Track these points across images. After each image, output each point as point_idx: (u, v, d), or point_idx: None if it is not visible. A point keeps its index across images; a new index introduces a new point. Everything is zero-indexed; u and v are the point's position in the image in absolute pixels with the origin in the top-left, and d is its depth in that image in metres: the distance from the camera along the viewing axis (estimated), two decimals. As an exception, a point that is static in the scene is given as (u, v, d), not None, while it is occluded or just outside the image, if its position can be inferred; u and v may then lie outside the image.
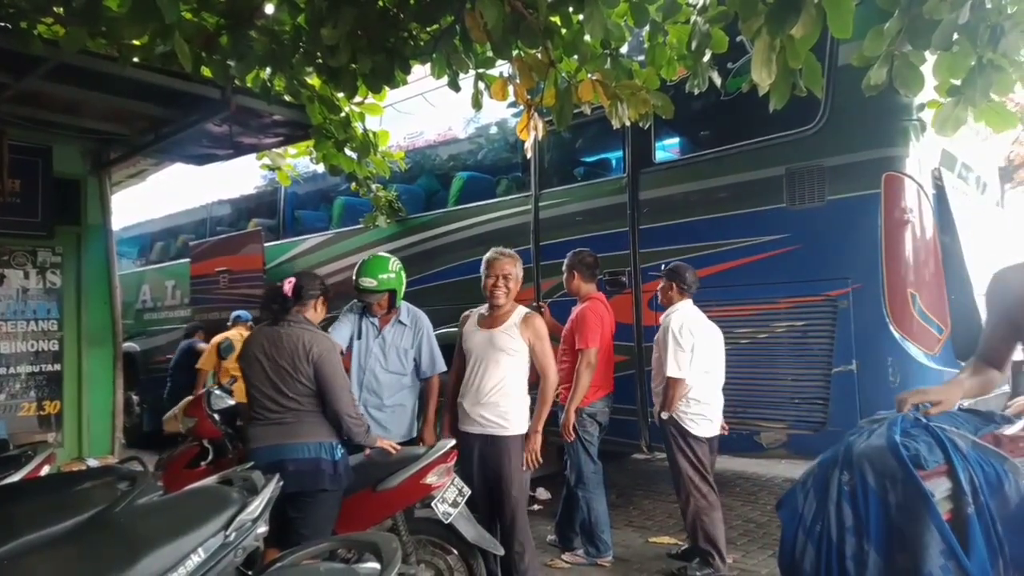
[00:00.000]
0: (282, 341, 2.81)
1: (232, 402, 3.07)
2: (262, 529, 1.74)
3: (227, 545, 1.64)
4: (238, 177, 7.99)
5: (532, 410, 3.24)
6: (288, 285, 2.91)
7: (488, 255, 3.29)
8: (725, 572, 3.59)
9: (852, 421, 3.45)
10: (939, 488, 1.62)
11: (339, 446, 2.86)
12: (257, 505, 1.72)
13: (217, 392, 3.19)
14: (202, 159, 6.05)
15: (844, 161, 3.69)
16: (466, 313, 3.37)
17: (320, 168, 5.74)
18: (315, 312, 3.02)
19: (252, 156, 6.04)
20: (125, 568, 1.44)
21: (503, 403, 3.15)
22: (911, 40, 2.57)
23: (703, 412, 3.58)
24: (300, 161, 6.18)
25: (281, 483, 1.87)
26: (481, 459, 3.15)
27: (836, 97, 3.66)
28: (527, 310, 3.31)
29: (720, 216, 4.09)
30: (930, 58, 2.64)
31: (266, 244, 6.84)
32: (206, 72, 3.73)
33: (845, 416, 3.51)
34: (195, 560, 1.57)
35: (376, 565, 1.55)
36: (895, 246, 3.53)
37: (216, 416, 3.13)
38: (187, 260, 7.84)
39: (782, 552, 1.85)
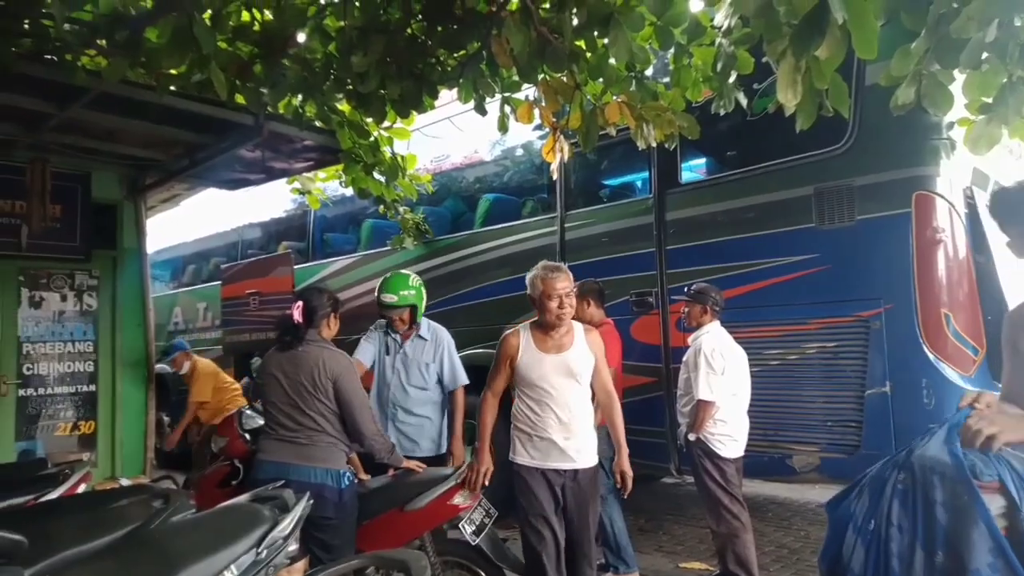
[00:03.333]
0: (300, 360, 2.85)
1: (262, 422, 3.11)
2: (293, 547, 1.77)
3: (259, 563, 1.66)
4: (268, 201, 8.16)
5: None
6: (297, 311, 2.95)
7: (542, 274, 2.89)
8: (756, 597, 3.53)
9: (886, 444, 3.43)
10: (993, 504, 1.61)
11: (347, 475, 2.87)
12: (288, 523, 1.74)
13: (248, 412, 3.24)
14: (235, 184, 6.19)
15: (874, 180, 3.66)
16: (510, 334, 2.96)
17: (348, 191, 5.85)
18: (328, 329, 3.06)
19: (282, 180, 6.19)
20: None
21: (590, 432, 2.90)
22: (939, 59, 2.55)
23: (730, 433, 3.54)
24: (329, 185, 6.30)
25: (311, 502, 1.88)
26: (574, 495, 2.82)
27: (865, 116, 3.63)
28: (582, 324, 3.05)
29: (748, 236, 4.07)
30: (959, 76, 2.62)
31: (296, 266, 6.94)
32: (239, 99, 3.84)
33: (879, 439, 3.45)
34: (227, 577, 1.59)
35: (406, 581, 1.56)
36: (927, 266, 3.47)
37: (247, 436, 3.18)
38: (218, 283, 7.98)
39: (826, 551, 1.84)
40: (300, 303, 2.99)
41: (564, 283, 2.86)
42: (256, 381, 2.99)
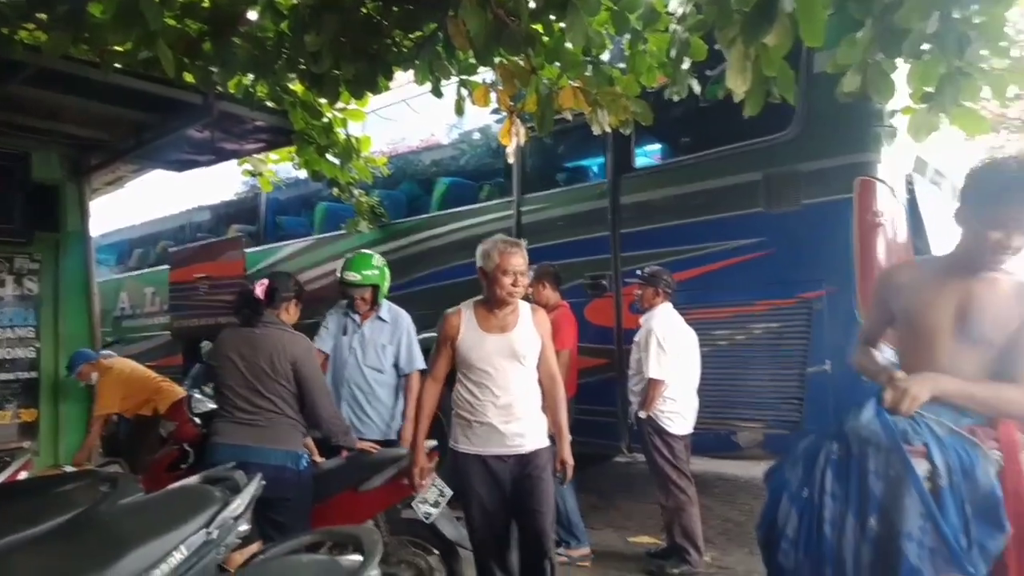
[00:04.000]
0: (259, 342, 2.82)
1: (213, 406, 3.08)
2: (244, 527, 1.76)
3: (210, 543, 1.65)
4: (218, 183, 7.97)
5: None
6: (260, 288, 2.94)
7: (500, 247, 2.72)
8: (702, 568, 3.65)
9: (826, 420, 3.54)
10: (919, 468, 1.72)
11: (304, 457, 2.88)
12: (239, 503, 1.73)
13: (198, 396, 3.20)
14: (183, 165, 6.03)
15: (819, 166, 3.78)
16: (450, 313, 2.78)
17: (301, 174, 5.76)
18: (288, 314, 3.04)
19: (233, 162, 6.05)
20: (109, 564, 1.45)
21: (536, 413, 2.74)
22: (883, 48, 2.65)
23: (679, 411, 3.66)
24: (281, 167, 6.19)
25: (264, 483, 1.88)
26: (520, 481, 2.64)
27: (811, 104, 3.74)
28: (529, 303, 2.87)
29: (699, 220, 4.16)
30: (902, 66, 2.72)
31: (247, 250, 6.81)
32: (188, 78, 3.74)
33: (819, 415, 3.59)
34: (178, 557, 1.58)
35: (358, 557, 1.58)
36: (868, 249, 3.61)
37: (197, 419, 3.13)
38: (166, 267, 7.78)
39: (763, 519, 1.94)
40: (266, 281, 2.97)
41: (520, 260, 2.71)
42: (210, 363, 2.93)
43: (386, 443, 3.59)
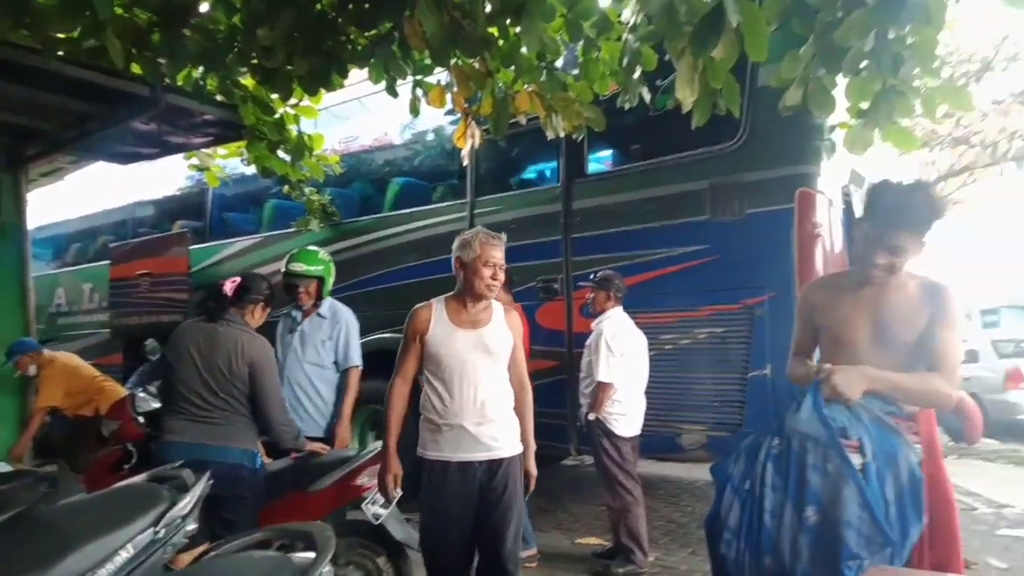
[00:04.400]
0: (218, 340, 2.78)
1: (157, 405, 3.01)
2: (192, 526, 1.74)
3: (156, 542, 1.63)
4: (162, 177, 7.77)
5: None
6: (231, 285, 2.89)
7: (482, 237, 2.61)
8: (646, 568, 3.73)
9: (766, 422, 3.67)
10: (854, 461, 1.83)
11: (259, 455, 2.86)
12: (187, 502, 1.71)
13: (142, 395, 3.11)
14: (127, 158, 5.85)
15: (762, 177, 3.91)
16: (420, 307, 2.64)
17: (250, 170, 5.66)
18: (253, 317, 2.99)
19: (178, 156, 5.90)
20: (52, 563, 1.42)
21: (509, 416, 2.61)
22: (824, 64, 2.78)
23: (627, 413, 3.74)
24: (229, 162, 6.07)
25: (211, 482, 1.86)
26: (484, 488, 2.50)
27: (755, 116, 3.87)
28: (502, 304, 2.76)
29: (648, 227, 4.25)
30: (841, 82, 2.86)
31: (192, 247, 6.65)
32: (136, 69, 3.65)
33: (759, 418, 3.71)
34: (124, 556, 1.55)
35: (310, 555, 1.58)
36: (807, 258, 3.75)
37: (141, 419, 3.05)
38: (106, 262, 7.53)
39: (711, 511, 2.02)
40: (238, 279, 2.92)
41: (500, 252, 2.62)
42: (164, 356, 2.85)
43: (324, 440, 3.55)
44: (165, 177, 7.75)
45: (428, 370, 2.60)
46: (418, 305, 2.66)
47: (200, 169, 6.08)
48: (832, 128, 3.71)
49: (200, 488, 1.77)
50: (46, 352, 5.10)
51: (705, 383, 4.04)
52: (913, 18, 2.56)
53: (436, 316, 2.60)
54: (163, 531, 1.65)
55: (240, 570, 1.56)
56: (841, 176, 4.06)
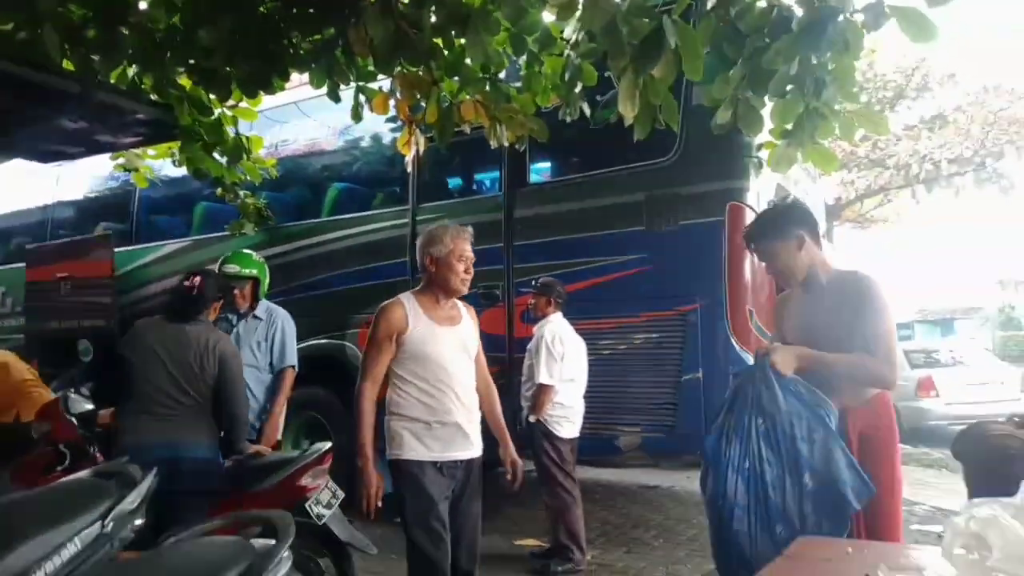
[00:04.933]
0: (188, 338, 2.78)
1: (91, 406, 2.93)
2: (139, 521, 1.72)
3: (104, 536, 1.61)
4: (83, 176, 7.46)
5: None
6: (197, 282, 2.87)
7: (453, 231, 2.58)
8: (584, 566, 3.84)
9: (697, 423, 3.85)
10: None
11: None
12: (135, 497, 1.70)
13: (74, 396, 3.01)
14: (49, 156, 5.57)
15: (695, 191, 4.10)
16: (391, 304, 2.54)
17: (178, 171, 5.51)
18: (212, 314, 2.99)
19: (103, 155, 5.68)
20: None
21: (479, 415, 2.64)
22: (752, 87, 2.96)
23: (567, 415, 3.84)
24: (157, 163, 5.88)
25: (157, 477, 1.84)
26: (462, 485, 2.54)
27: (689, 133, 4.05)
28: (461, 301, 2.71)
29: (586, 236, 4.39)
30: (769, 104, 3.04)
31: (117, 249, 6.41)
32: (67, 65, 3.53)
33: (691, 419, 3.88)
34: (71, 550, 1.53)
35: (270, 541, 1.59)
36: (736, 268, 3.96)
37: (74, 420, 2.96)
38: (21, 265, 7.16)
39: (715, 495, 2.16)
40: (198, 278, 2.88)
41: (470, 247, 2.59)
42: (117, 357, 2.79)
43: (255, 441, 3.52)
44: (85, 177, 7.44)
45: (405, 369, 2.51)
46: (386, 303, 2.55)
47: (127, 169, 5.86)
48: (760, 147, 3.92)
49: (148, 483, 1.76)
50: None
51: (641, 387, 4.18)
52: (833, 46, 2.76)
53: (412, 313, 2.51)
54: (111, 525, 1.63)
55: (202, 554, 1.56)
56: (768, 191, 4.29)
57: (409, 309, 2.52)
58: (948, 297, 35.48)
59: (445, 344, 2.51)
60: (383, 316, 2.51)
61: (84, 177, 7.39)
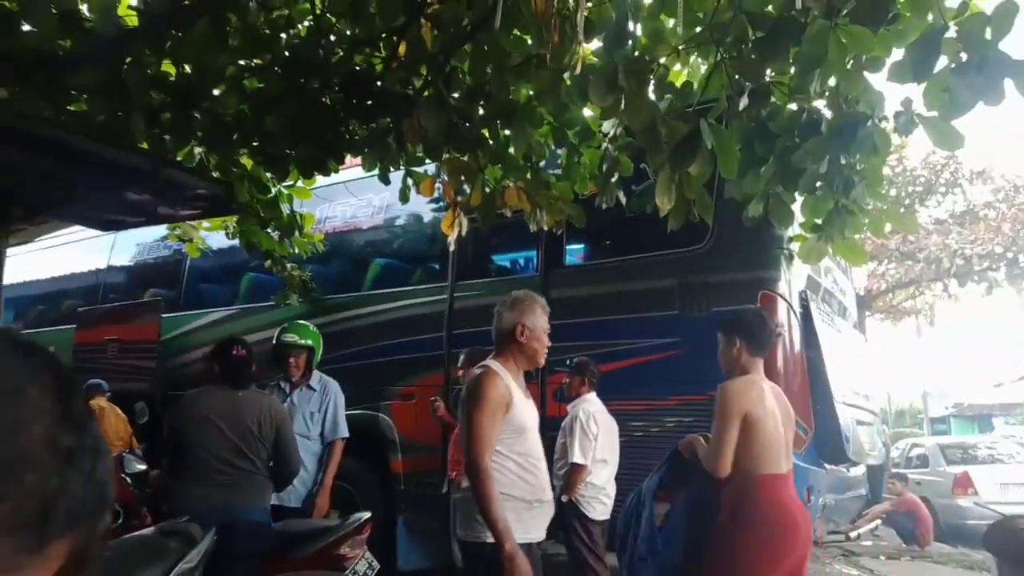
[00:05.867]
0: (243, 404, 2.91)
1: (143, 467, 3.05)
2: (198, 576, 1.80)
3: None
4: (135, 244, 7.84)
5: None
6: (243, 349, 3.02)
7: (539, 303, 2.58)
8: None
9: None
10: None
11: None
12: (195, 555, 1.79)
13: (129, 456, 3.14)
14: (110, 225, 5.92)
15: (727, 279, 4.21)
16: (493, 372, 2.39)
17: (226, 242, 5.79)
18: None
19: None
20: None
21: None
22: (782, 183, 3.11)
23: (599, 496, 3.84)
24: (210, 234, 6.18)
25: (216, 539, 1.93)
26: (536, 566, 2.32)
27: (722, 223, 4.19)
28: None
29: (620, 318, 4.49)
30: (799, 199, 3.18)
31: (164, 315, 6.66)
32: (143, 144, 3.82)
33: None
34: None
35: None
36: (769, 356, 4.00)
37: (129, 480, 3.07)
38: (71, 326, 7.45)
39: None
40: (241, 345, 3.05)
41: None
42: (178, 424, 2.92)
43: (304, 511, 3.59)
44: (138, 244, 7.81)
45: (504, 444, 2.36)
46: (483, 370, 2.41)
47: (183, 240, 6.17)
48: (791, 239, 4.05)
49: (207, 542, 1.85)
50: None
51: (671, 470, 4.16)
52: (862, 148, 2.91)
53: (510, 385, 2.39)
54: (174, 579, 1.71)
55: None
56: (799, 282, 4.38)
57: (505, 378, 2.38)
58: (985, 392, 34.41)
59: (535, 418, 2.47)
60: (492, 385, 2.33)
61: (133, 245, 7.75)
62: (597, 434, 3.83)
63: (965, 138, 2.49)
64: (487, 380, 2.34)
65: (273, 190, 4.82)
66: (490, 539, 2.21)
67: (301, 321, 4.04)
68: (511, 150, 3.71)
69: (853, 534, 6.15)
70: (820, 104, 3.05)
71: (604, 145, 3.67)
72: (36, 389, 0.45)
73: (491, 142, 3.71)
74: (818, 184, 3.09)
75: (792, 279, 4.24)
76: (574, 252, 5.24)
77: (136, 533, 1.98)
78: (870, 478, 5.76)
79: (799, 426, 3.96)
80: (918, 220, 12.52)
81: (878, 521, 8.49)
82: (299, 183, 4.74)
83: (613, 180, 3.74)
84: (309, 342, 3.79)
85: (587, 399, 3.98)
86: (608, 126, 3.56)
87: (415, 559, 5.04)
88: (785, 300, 4.11)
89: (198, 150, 4.24)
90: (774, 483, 2.71)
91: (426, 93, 3.37)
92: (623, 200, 3.84)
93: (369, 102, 3.72)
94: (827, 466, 4.31)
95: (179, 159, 4.26)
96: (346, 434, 3.79)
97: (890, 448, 9.98)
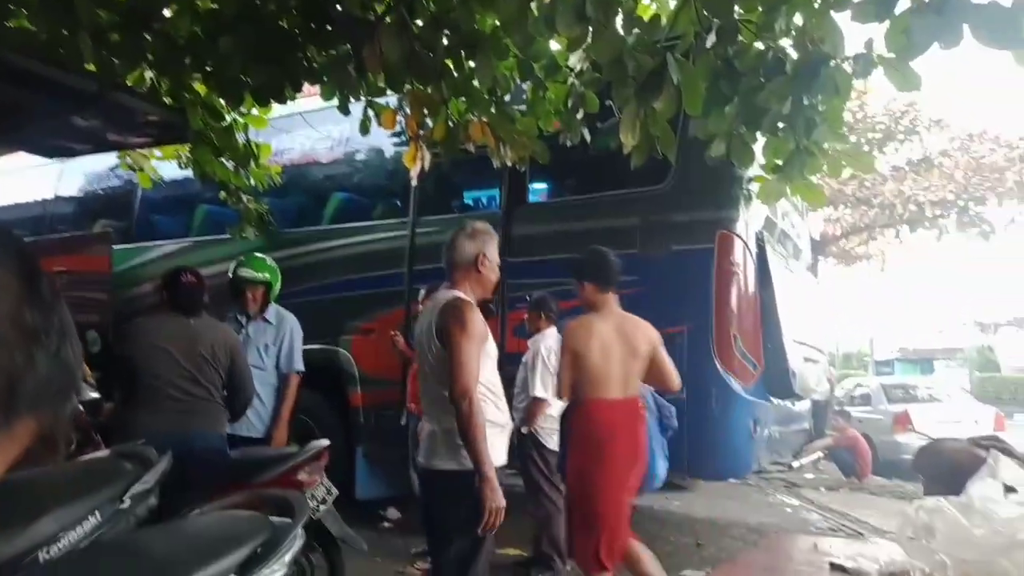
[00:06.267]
0: (196, 332, 2.88)
1: (96, 395, 3.02)
2: (154, 501, 1.82)
3: (122, 512, 1.71)
4: (82, 173, 7.56)
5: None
6: (192, 279, 2.98)
7: (495, 236, 2.62)
8: (564, 574, 3.93)
9: (680, 442, 3.98)
10: None
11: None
12: (151, 477, 1.80)
13: (82, 384, 3.10)
14: (56, 151, 5.68)
15: (687, 218, 4.27)
16: (469, 300, 2.43)
17: (179, 173, 5.62)
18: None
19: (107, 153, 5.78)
20: (29, 524, 1.49)
21: None
22: (745, 123, 3.13)
23: (557, 427, 3.94)
24: (161, 163, 5.98)
25: (172, 464, 1.94)
26: None
27: (684, 163, 4.21)
28: None
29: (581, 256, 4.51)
30: (761, 140, 3.21)
31: (115, 247, 6.47)
32: (90, 66, 3.64)
33: (675, 437, 3.99)
34: (92, 522, 1.63)
35: (287, 520, 1.69)
36: (724, 294, 4.11)
37: (81, 407, 3.04)
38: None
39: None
40: (190, 273, 2.99)
41: None
42: (127, 352, 2.88)
43: (263, 442, 3.61)
44: (85, 173, 7.53)
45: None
46: (459, 298, 2.41)
47: (133, 169, 5.95)
48: (750, 180, 4.10)
49: (164, 464, 1.86)
50: None
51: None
52: (825, 89, 2.93)
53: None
54: (128, 502, 1.73)
55: (223, 525, 1.66)
56: (756, 222, 4.46)
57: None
58: (929, 337, 35.96)
59: (495, 348, 2.53)
60: (474, 312, 2.35)
61: (82, 173, 7.46)
62: (557, 368, 3.90)
63: (922, 79, 2.53)
64: (470, 310, 2.35)
65: (228, 118, 4.66)
66: (469, 466, 2.26)
67: (259, 254, 3.97)
68: (476, 82, 3.64)
69: (795, 464, 6.47)
70: (786, 44, 3.06)
71: (570, 80, 3.63)
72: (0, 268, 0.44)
73: (455, 73, 3.63)
74: (780, 125, 3.12)
75: (750, 220, 4.32)
76: (537, 190, 5.22)
77: (91, 455, 1.97)
78: (814, 413, 6.03)
79: (750, 363, 4.11)
80: (876, 166, 12.77)
81: (820, 454, 8.95)
82: (255, 111, 4.60)
83: (578, 117, 3.72)
84: (266, 276, 3.74)
85: (547, 334, 4.04)
86: (575, 60, 3.51)
87: (373, 488, 5.15)
88: (742, 240, 4.19)
89: (149, 74, 4.08)
90: (599, 406, 3.01)
91: (388, 19, 3.27)
92: (587, 138, 3.82)
93: (328, 27, 3.60)
94: (773, 400, 4.49)
95: (129, 83, 4.10)
96: (301, 367, 3.79)
97: (835, 386, 10.44)
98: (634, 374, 3.09)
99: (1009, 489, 1.27)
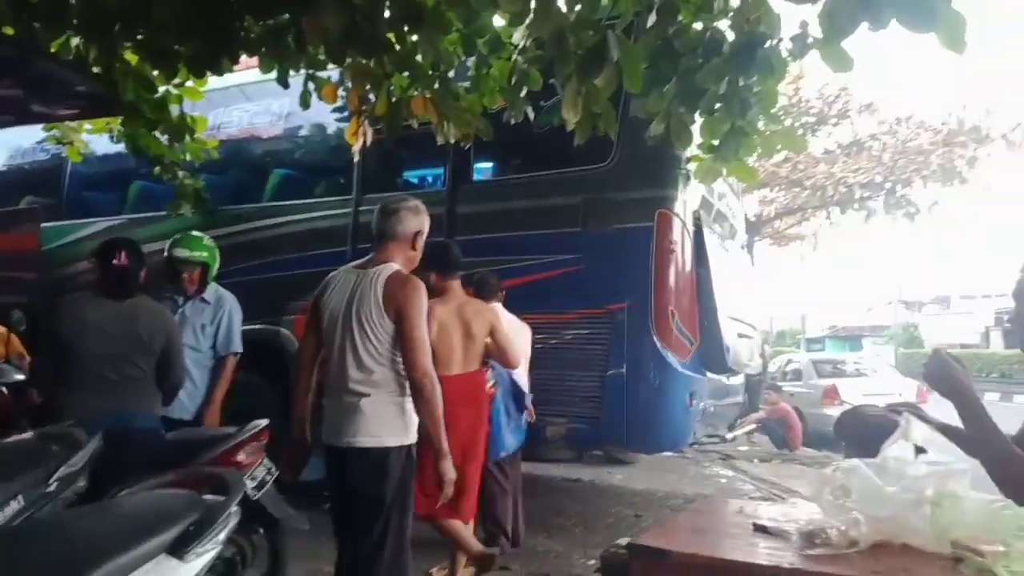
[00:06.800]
0: (129, 311, 2.78)
1: (22, 377, 2.90)
2: (83, 483, 1.78)
3: (47, 495, 1.67)
4: (5, 146, 7.19)
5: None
6: (124, 258, 2.84)
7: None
8: (507, 551, 4.00)
9: (620, 415, 4.11)
10: None
11: None
12: (79, 459, 1.76)
13: (6, 366, 2.97)
14: (-27, 121, 5.39)
15: (628, 197, 4.34)
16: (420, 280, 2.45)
17: (111, 147, 5.41)
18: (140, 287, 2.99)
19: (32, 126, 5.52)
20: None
21: None
22: (683, 103, 3.20)
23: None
24: (93, 137, 5.74)
25: (105, 445, 1.90)
26: None
27: (625, 142, 4.28)
28: None
29: (524, 234, 4.57)
30: (698, 120, 3.30)
31: (44, 224, 6.19)
32: (7, 30, 3.47)
33: (614, 412, 4.12)
34: (13, 507, 1.59)
35: (221, 497, 1.68)
36: (662, 271, 4.22)
37: (3, 389, 2.92)
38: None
39: None
40: (123, 252, 2.85)
41: None
42: (58, 332, 2.74)
43: (195, 425, 3.52)
44: (9, 147, 7.17)
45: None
46: (414, 279, 2.41)
47: (61, 142, 5.70)
48: (688, 160, 4.20)
49: (93, 446, 1.82)
50: None
51: (569, 380, 4.39)
52: (760, 69, 3.03)
53: None
54: (55, 485, 1.69)
55: (154, 504, 1.63)
56: (694, 202, 4.58)
57: None
58: (858, 315, 37.57)
59: None
60: (424, 292, 2.39)
61: (9, 147, 7.10)
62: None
63: (854, 61, 2.63)
64: (422, 289, 2.37)
65: (161, 89, 4.50)
66: (405, 442, 2.35)
67: (195, 233, 3.83)
68: (419, 57, 3.61)
69: (729, 436, 6.71)
70: (724, 25, 3.14)
71: (514, 57, 3.63)
72: None
73: (398, 47, 3.58)
74: (717, 105, 3.21)
75: (687, 199, 4.43)
76: (482, 169, 5.23)
77: (13, 438, 1.91)
78: (748, 388, 6.26)
79: (686, 338, 4.24)
80: (809, 148, 13.20)
81: (753, 427, 9.31)
82: (189, 83, 4.45)
83: (522, 94, 3.74)
84: (203, 256, 3.62)
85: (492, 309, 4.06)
86: (519, 37, 3.52)
87: (314, 469, 5.09)
88: (680, 219, 4.30)
89: (75, 41, 3.90)
90: (442, 381, 2.88)
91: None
92: (531, 115, 3.85)
93: (266, -5, 3.51)
94: (709, 374, 4.65)
95: (53, 51, 3.91)
96: (239, 349, 3.70)
97: (768, 362, 10.84)
98: (472, 353, 3.44)
99: (920, 450, 1.39)
